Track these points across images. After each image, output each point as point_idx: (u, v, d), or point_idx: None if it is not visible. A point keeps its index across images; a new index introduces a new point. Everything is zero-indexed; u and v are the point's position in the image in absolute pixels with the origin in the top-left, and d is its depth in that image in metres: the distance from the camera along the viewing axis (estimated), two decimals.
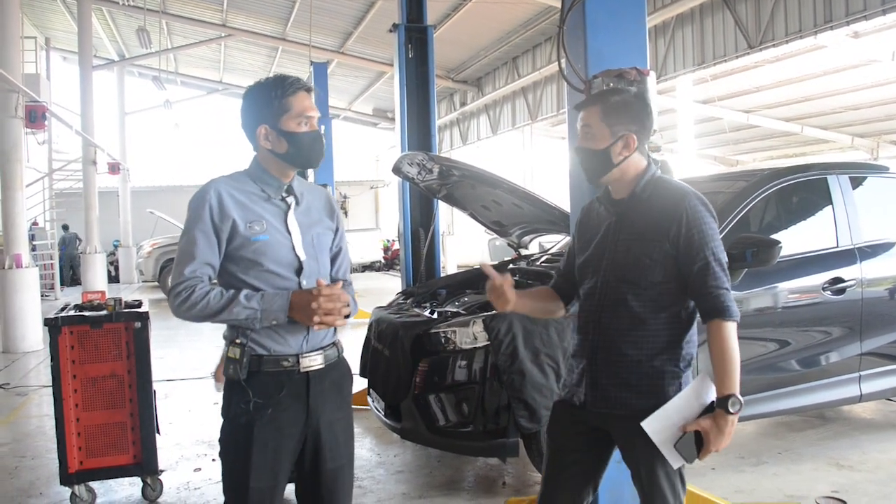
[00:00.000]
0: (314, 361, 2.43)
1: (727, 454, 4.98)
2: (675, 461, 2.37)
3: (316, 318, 2.29)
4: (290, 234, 2.43)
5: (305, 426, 2.42)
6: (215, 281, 2.43)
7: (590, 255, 2.60)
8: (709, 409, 2.33)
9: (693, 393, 2.37)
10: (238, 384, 2.37)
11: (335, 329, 2.49)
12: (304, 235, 2.45)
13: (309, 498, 2.53)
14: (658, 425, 2.35)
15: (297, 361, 2.40)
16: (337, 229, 2.59)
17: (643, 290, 2.43)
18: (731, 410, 2.27)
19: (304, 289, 2.39)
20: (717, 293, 2.34)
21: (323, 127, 2.50)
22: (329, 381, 2.48)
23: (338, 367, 2.54)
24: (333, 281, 2.50)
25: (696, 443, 2.32)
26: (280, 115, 2.39)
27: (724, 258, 2.40)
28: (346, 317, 2.40)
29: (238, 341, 2.37)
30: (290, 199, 2.47)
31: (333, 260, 2.58)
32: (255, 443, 2.35)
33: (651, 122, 2.55)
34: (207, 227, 2.34)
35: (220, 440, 2.46)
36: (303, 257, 2.43)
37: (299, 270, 2.42)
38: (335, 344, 2.54)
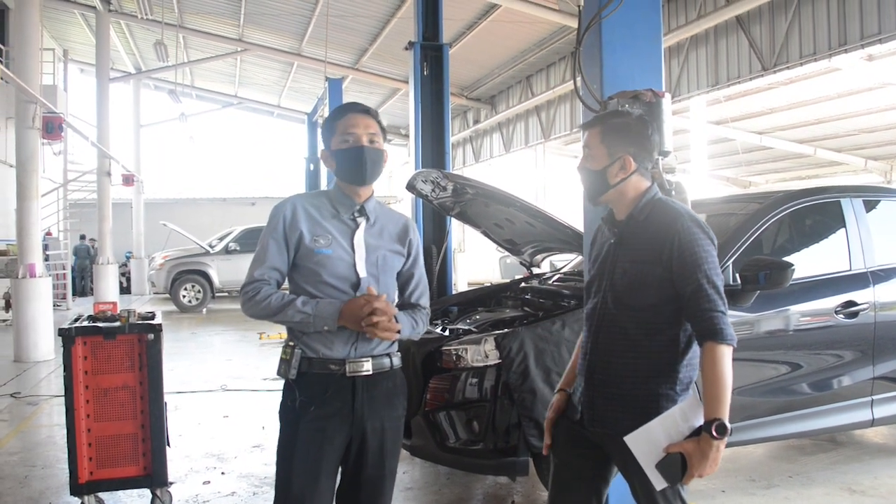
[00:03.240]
0: (361, 367, 2.53)
1: (737, 477, 4.95)
2: (657, 482, 2.33)
3: (363, 324, 2.42)
4: (353, 251, 2.55)
5: (351, 430, 2.52)
6: (285, 286, 2.62)
7: (592, 275, 2.63)
8: (697, 433, 2.29)
9: (680, 413, 2.35)
10: (287, 384, 2.54)
11: (394, 342, 2.61)
12: (370, 255, 2.58)
13: (348, 502, 2.62)
14: (641, 442, 2.33)
15: (344, 365, 2.51)
16: (409, 255, 2.71)
17: (638, 313, 2.45)
18: (716, 435, 2.23)
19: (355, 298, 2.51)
20: (710, 315, 2.32)
21: (369, 142, 2.57)
22: (380, 390, 2.57)
23: (391, 377, 2.62)
24: (402, 305, 2.70)
25: (681, 466, 2.29)
26: (331, 138, 2.60)
27: (720, 280, 2.37)
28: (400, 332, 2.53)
29: (291, 343, 2.55)
30: (361, 220, 2.60)
31: (406, 284, 2.73)
32: (299, 440, 2.49)
33: (652, 145, 2.55)
34: (279, 235, 2.54)
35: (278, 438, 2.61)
36: (362, 274, 2.55)
37: (356, 286, 2.54)
38: (389, 354, 2.62)
